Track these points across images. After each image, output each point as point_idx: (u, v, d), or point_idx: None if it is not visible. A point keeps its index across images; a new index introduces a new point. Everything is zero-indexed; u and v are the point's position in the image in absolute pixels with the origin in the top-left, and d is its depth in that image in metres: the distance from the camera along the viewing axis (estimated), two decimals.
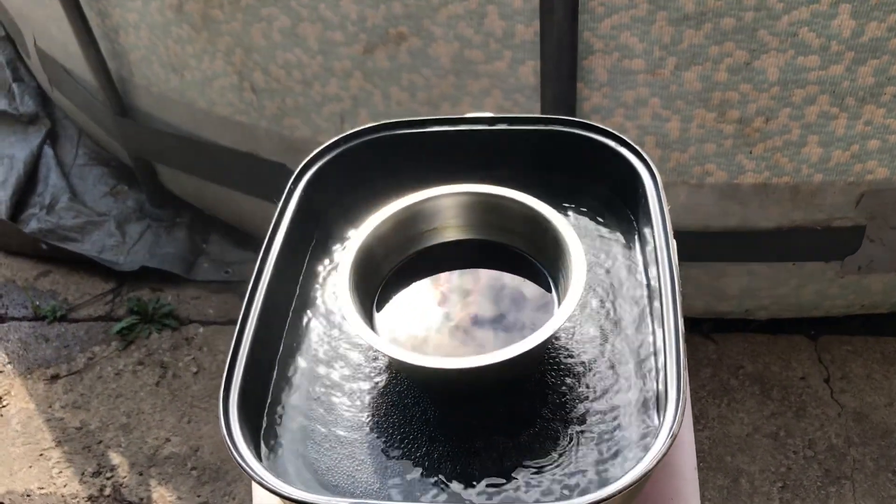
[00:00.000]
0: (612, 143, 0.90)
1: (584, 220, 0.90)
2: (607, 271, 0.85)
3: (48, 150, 2.33)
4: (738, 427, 1.60)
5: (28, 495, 1.61)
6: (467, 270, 0.83)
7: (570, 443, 0.73)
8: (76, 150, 2.37)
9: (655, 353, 0.77)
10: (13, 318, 1.95)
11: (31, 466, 1.65)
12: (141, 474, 1.62)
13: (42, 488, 1.62)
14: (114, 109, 1.99)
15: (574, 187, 0.92)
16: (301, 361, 0.80)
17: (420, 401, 0.76)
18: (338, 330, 0.83)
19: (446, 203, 0.81)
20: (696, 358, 1.71)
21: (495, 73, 1.45)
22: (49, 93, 2.46)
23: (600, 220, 0.90)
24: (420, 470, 0.72)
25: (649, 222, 0.82)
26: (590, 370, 0.77)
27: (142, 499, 1.58)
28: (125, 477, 1.62)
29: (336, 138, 0.94)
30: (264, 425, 0.75)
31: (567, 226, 0.77)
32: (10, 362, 1.85)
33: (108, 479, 1.62)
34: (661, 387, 0.73)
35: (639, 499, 0.75)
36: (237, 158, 1.86)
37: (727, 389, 1.64)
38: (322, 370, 0.79)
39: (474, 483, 0.71)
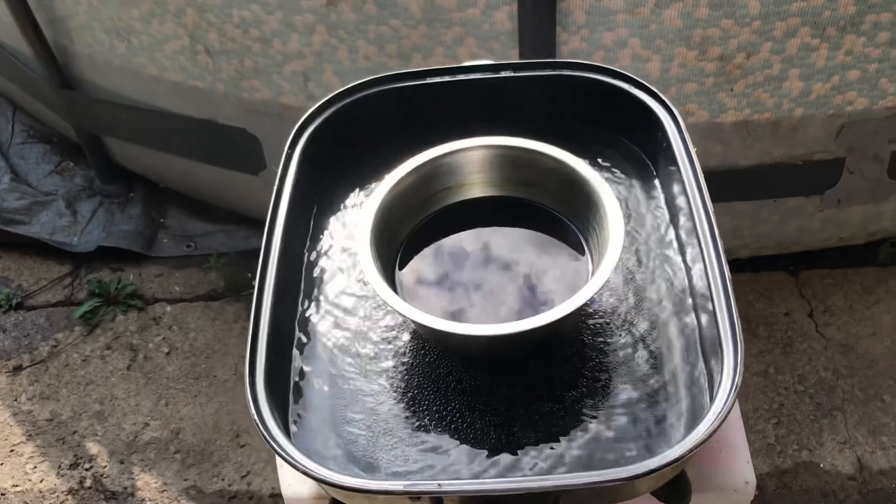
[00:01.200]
0: (625, 86, 0.85)
1: (599, 170, 0.86)
2: (630, 220, 0.81)
3: None
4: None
5: (2, 494, 1.53)
6: (493, 229, 0.78)
7: (619, 404, 0.69)
8: (11, 127, 2.23)
9: (693, 296, 0.73)
10: None
11: (2, 464, 1.57)
12: (122, 462, 1.55)
13: (17, 486, 1.54)
14: (54, 82, 1.86)
15: (586, 135, 0.88)
16: (324, 335, 0.75)
17: (454, 370, 0.72)
18: (360, 297, 0.77)
19: (468, 157, 0.76)
20: None
21: (469, 21, 1.39)
22: None
23: (616, 168, 0.86)
24: (461, 442, 0.68)
25: (674, 165, 0.78)
26: (630, 326, 0.73)
27: (125, 487, 1.52)
28: (105, 466, 1.55)
29: (329, 96, 0.88)
30: (290, 404, 0.70)
31: (600, 180, 0.73)
32: None
33: (87, 470, 1.55)
34: (706, 331, 0.70)
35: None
36: (193, 126, 1.77)
37: None
38: (349, 343, 0.74)
39: (520, 450, 0.67)
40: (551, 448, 0.67)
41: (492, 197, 0.77)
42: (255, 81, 1.62)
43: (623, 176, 0.85)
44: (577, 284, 0.70)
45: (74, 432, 1.61)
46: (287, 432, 0.68)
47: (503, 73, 0.87)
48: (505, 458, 0.67)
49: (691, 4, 1.32)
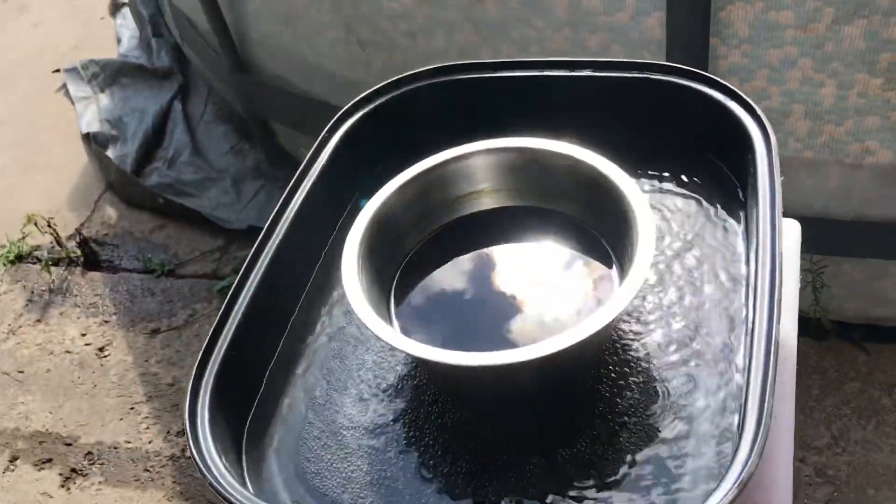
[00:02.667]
0: (717, 95, 0.71)
1: (673, 186, 0.72)
2: (690, 248, 0.67)
3: (177, 105, 2.34)
4: (885, 456, 1.35)
5: (115, 448, 1.60)
6: (509, 245, 0.67)
7: (622, 468, 0.56)
8: (205, 106, 2.36)
9: (744, 359, 0.59)
10: (125, 270, 1.95)
11: (121, 419, 1.64)
12: None
13: (129, 442, 1.60)
14: (231, 64, 1.94)
15: (666, 148, 0.74)
16: (308, 346, 0.67)
17: (439, 399, 0.62)
18: (347, 316, 0.69)
19: (482, 162, 0.65)
20: (843, 369, 1.46)
21: (616, 26, 1.26)
22: (182, 46, 2.47)
23: (695, 188, 0.72)
24: (426, 485, 0.58)
25: (755, 195, 0.63)
26: (656, 377, 0.60)
27: None
28: None
29: (386, 82, 0.81)
30: (250, 419, 0.63)
31: (632, 186, 0.60)
32: (115, 313, 1.85)
33: None
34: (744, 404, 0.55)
35: None
36: None
37: (877, 410, 1.39)
38: (327, 357, 0.66)
39: None
40: None
41: (509, 207, 0.66)
42: None
43: (704, 198, 0.71)
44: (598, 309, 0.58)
45: None
46: (238, 447, 0.61)
47: (581, 72, 0.76)
48: None
49: (878, 23, 1.12)
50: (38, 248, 2.05)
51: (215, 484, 0.54)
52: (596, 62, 0.75)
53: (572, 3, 1.27)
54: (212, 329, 0.62)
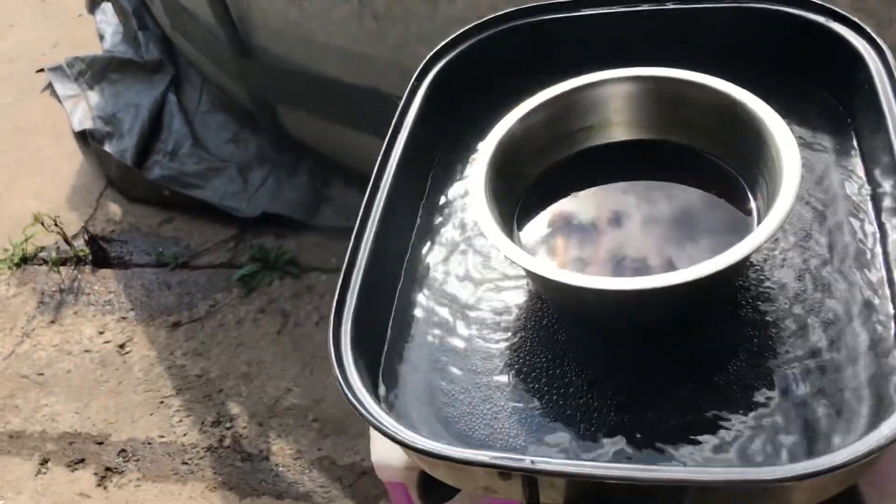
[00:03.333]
0: (818, 18, 0.70)
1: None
2: (817, 183, 0.66)
3: (172, 98, 2.29)
4: None
5: (149, 443, 1.56)
6: (637, 181, 0.66)
7: (772, 395, 0.55)
8: (199, 96, 2.31)
9: (891, 279, 0.58)
10: (137, 265, 1.91)
11: (151, 414, 1.61)
12: (261, 425, 1.54)
13: (162, 436, 1.57)
14: (233, 49, 1.90)
15: (768, 81, 0.73)
16: (426, 290, 0.66)
17: (575, 336, 0.61)
18: (473, 250, 0.68)
19: (610, 91, 0.64)
20: None
21: None
22: (172, 38, 2.42)
23: (804, 122, 0.71)
24: (574, 421, 0.56)
25: (878, 114, 0.63)
26: (800, 304, 0.59)
27: (261, 451, 1.50)
28: (245, 427, 1.54)
29: (469, 26, 0.79)
30: (383, 365, 0.62)
31: (773, 114, 0.59)
32: (132, 309, 1.81)
33: (227, 429, 1.55)
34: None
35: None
36: (357, 95, 1.74)
37: None
38: (452, 299, 0.65)
39: (644, 442, 0.55)
40: (686, 437, 0.54)
41: (638, 140, 0.65)
42: (419, 48, 1.56)
43: (812, 134, 0.70)
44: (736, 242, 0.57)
45: (220, 391, 1.62)
46: (375, 391, 0.59)
47: (669, 5, 0.75)
48: (623, 444, 0.55)
49: None
50: (42, 249, 2.00)
51: (375, 422, 0.52)
52: None
53: None
54: (341, 278, 0.60)
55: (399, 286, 0.66)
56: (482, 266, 0.66)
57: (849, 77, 0.68)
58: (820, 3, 0.70)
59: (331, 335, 0.57)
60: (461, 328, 0.63)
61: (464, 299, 0.65)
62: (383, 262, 0.64)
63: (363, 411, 0.53)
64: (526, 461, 0.48)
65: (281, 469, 1.47)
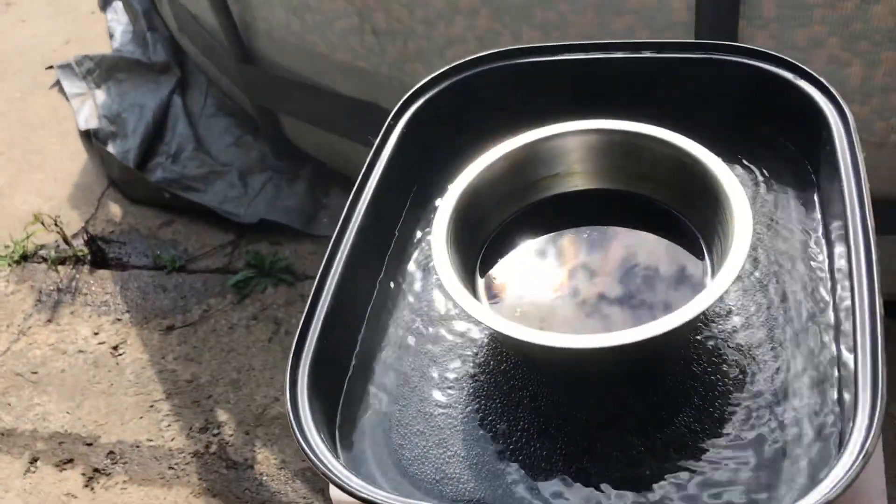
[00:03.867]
0: (787, 74, 0.71)
1: (746, 173, 0.73)
2: (773, 235, 0.68)
3: (177, 100, 2.31)
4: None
5: (137, 446, 1.58)
6: (595, 228, 0.67)
7: (719, 450, 0.57)
8: (204, 99, 2.33)
9: (838, 342, 0.59)
10: (134, 267, 1.93)
11: (141, 417, 1.63)
12: (247, 433, 1.56)
13: (150, 440, 1.59)
14: (236, 56, 1.92)
15: (735, 132, 0.74)
16: (390, 330, 0.67)
17: (529, 383, 0.62)
18: (436, 295, 0.69)
19: (572, 143, 0.65)
20: None
21: (642, 8, 1.26)
22: (179, 40, 2.44)
23: (767, 173, 0.72)
24: (523, 469, 0.58)
25: (836, 177, 0.64)
26: (750, 358, 0.60)
27: (246, 459, 1.52)
28: (231, 435, 1.56)
29: (448, 67, 0.80)
30: (341, 404, 0.63)
31: (727, 172, 0.60)
32: (128, 311, 1.83)
33: (214, 435, 1.57)
34: (846, 391, 0.55)
35: None
36: (357, 108, 1.75)
37: None
38: (415, 339, 0.66)
39: (589, 493, 0.56)
40: (631, 493, 0.56)
41: (598, 189, 0.66)
42: (417, 65, 1.58)
43: (776, 181, 0.72)
44: (691, 296, 0.58)
45: (209, 396, 1.64)
46: (331, 434, 0.61)
47: (644, 53, 0.76)
48: (568, 494, 0.56)
49: None
50: (42, 247, 2.02)
51: (325, 471, 0.54)
52: (660, 43, 0.75)
53: None
54: (303, 317, 0.62)
55: (363, 328, 0.67)
56: (445, 310, 0.68)
57: (814, 134, 0.69)
58: (788, 59, 0.71)
59: (287, 379, 0.58)
60: (421, 371, 0.65)
61: (425, 342, 0.66)
62: (348, 302, 0.65)
63: (317, 462, 0.54)
64: None
65: (265, 478, 1.49)
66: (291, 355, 0.60)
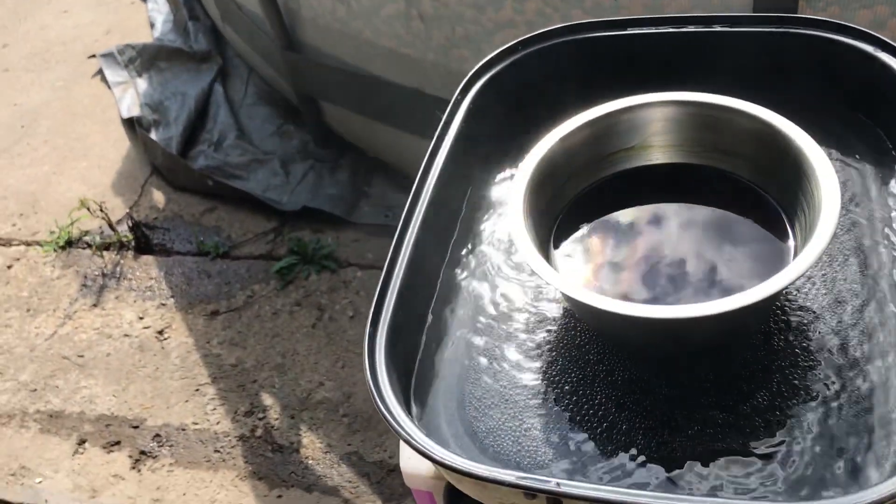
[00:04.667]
0: (866, 47, 0.70)
1: (823, 148, 0.71)
2: (853, 210, 0.66)
3: (218, 88, 2.33)
4: None
5: (183, 429, 1.60)
6: (673, 203, 0.66)
7: (800, 427, 0.56)
8: (245, 88, 2.34)
9: None
10: (178, 253, 1.95)
11: (187, 401, 1.64)
12: (293, 417, 1.57)
13: (196, 423, 1.60)
14: (281, 43, 1.92)
15: (811, 106, 0.73)
16: (461, 303, 0.67)
17: (606, 358, 0.61)
18: (508, 266, 0.69)
19: (653, 115, 0.64)
20: None
21: None
22: (221, 30, 2.45)
23: (845, 148, 0.71)
24: (600, 443, 0.57)
25: None
26: (833, 336, 0.59)
27: (292, 443, 1.53)
28: (277, 419, 1.57)
29: (516, 41, 0.79)
30: (415, 375, 0.63)
31: (814, 146, 0.59)
32: (172, 296, 1.85)
33: (260, 419, 1.58)
34: None
35: None
36: (402, 94, 1.75)
37: None
38: (486, 314, 0.66)
39: (669, 468, 0.56)
40: (709, 465, 0.55)
41: (677, 164, 0.65)
42: (464, 51, 1.57)
43: (853, 159, 0.70)
44: (773, 272, 0.57)
45: (255, 381, 1.64)
46: (406, 401, 0.60)
47: (715, 27, 0.75)
48: (650, 471, 0.55)
49: None
50: (87, 233, 2.04)
51: (407, 437, 0.54)
52: (732, 16, 0.74)
53: None
54: (377, 291, 0.61)
55: (434, 298, 0.67)
56: (518, 283, 0.67)
57: (893, 105, 0.68)
58: (867, 31, 0.69)
59: (366, 345, 0.58)
60: (494, 343, 0.64)
61: (497, 314, 0.65)
62: (420, 272, 0.65)
63: (394, 423, 0.54)
64: (551, 483, 0.49)
65: (310, 462, 1.50)
66: (368, 326, 0.60)
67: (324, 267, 1.83)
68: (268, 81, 2.31)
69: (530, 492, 0.50)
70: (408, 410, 0.60)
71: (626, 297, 0.62)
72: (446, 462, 0.52)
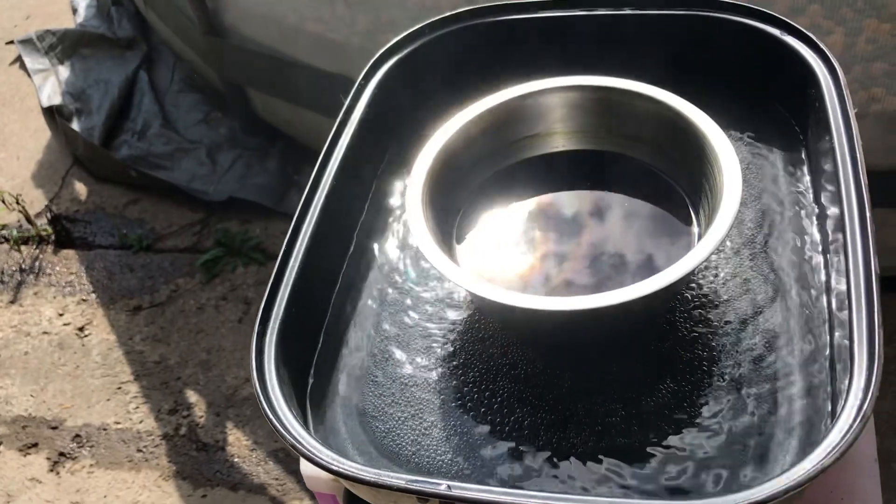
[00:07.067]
0: (774, 30, 0.69)
1: (731, 133, 0.70)
2: (759, 197, 0.65)
3: (143, 76, 2.25)
4: (889, 403, 1.36)
5: (104, 429, 1.54)
6: (577, 190, 0.64)
7: (705, 417, 0.54)
8: (172, 75, 2.27)
9: (829, 303, 0.57)
10: (100, 246, 1.88)
11: (108, 399, 1.58)
12: (218, 415, 1.52)
13: (118, 423, 1.55)
14: (203, 28, 1.86)
15: (719, 90, 0.72)
16: (363, 298, 0.64)
17: (509, 351, 0.59)
18: (410, 259, 0.66)
19: (554, 101, 0.62)
20: None
21: None
22: (145, 14, 2.37)
23: (753, 133, 0.70)
24: (502, 441, 0.55)
25: (826, 133, 0.61)
26: (738, 324, 0.58)
27: (217, 441, 1.49)
28: (201, 417, 1.53)
29: (421, 25, 0.77)
30: (312, 375, 0.60)
31: (716, 130, 0.57)
32: (94, 291, 1.78)
33: (184, 417, 1.53)
34: (838, 351, 0.53)
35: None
36: (329, 81, 1.71)
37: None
38: (388, 309, 0.63)
39: (573, 460, 0.54)
40: (613, 463, 0.53)
41: (581, 150, 0.63)
42: (390, 36, 1.53)
43: (761, 143, 0.69)
44: (671, 261, 0.56)
45: (178, 378, 1.59)
46: (301, 405, 0.58)
47: (625, 10, 0.73)
48: (552, 468, 0.54)
49: None
50: (3, 227, 1.96)
51: (294, 443, 0.51)
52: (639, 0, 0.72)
53: None
54: (269, 286, 0.58)
55: (334, 293, 0.64)
56: (421, 276, 0.65)
57: (801, 92, 0.67)
58: (773, 14, 0.68)
59: (253, 347, 0.55)
60: (395, 339, 0.61)
61: (399, 309, 0.63)
62: (318, 266, 0.62)
63: (280, 428, 0.51)
64: (442, 486, 0.47)
65: (236, 460, 1.46)
66: (257, 324, 0.57)
67: (251, 259, 1.79)
68: (194, 68, 2.25)
69: (422, 496, 0.48)
70: (302, 413, 0.58)
71: (527, 288, 0.60)
72: (333, 467, 0.49)
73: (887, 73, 1.20)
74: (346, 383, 0.60)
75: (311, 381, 0.60)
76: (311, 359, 0.61)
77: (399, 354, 0.61)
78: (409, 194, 0.58)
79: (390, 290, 0.64)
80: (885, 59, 1.19)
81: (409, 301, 0.63)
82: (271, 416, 0.52)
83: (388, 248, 0.67)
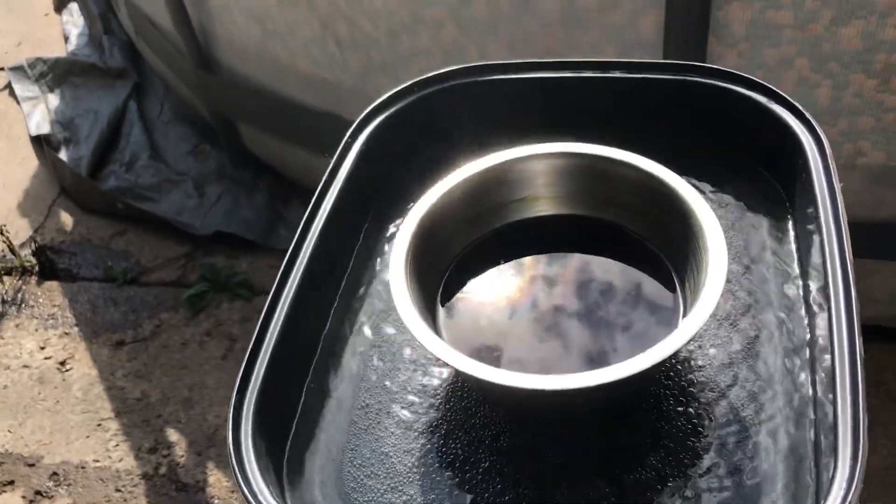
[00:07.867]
0: (761, 98, 0.69)
1: (718, 198, 0.70)
2: (747, 268, 0.65)
3: (133, 106, 2.25)
4: (876, 458, 1.36)
5: (82, 467, 1.52)
6: (562, 256, 0.64)
7: (688, 499, 0.54)
8: (162, 106, 2.27)
9: (815, 384, 0.56)
10: (84, 279, 1.86)
11: (88, 437, 1.56)
12: (199, 454, 1.50)
13: (97, 461, 1.52)
14: (195, 63, 1.86)
15: (707, 156, 0.72)
16: (345, 363, 0.63)
17: (492, 422, 0.58)
18: (395, 323, 0.65)
19: (538, 167, 0.62)
20: None
21: (610, 26, 1.24)
22: (136, 45, 2.38)
23: (740, 200, 0.70)
24: None
25: (812, 205, 0.61)
26: (721, 403, 0.57)
27: (198, 481, 1.47)
28: (182, 456, 1.51)
29: (410, 83, 0.76)
30: (290, 443, 0.59)
31: (700, 201, 0.57)
32: (76, 325, 1.76)
33: (164, 456, 1.51)
34: (823, 437, 0.53)
35: None
36: (319, 119, 1.71)
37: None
38: (370, 374, 0.62)
39: None
40: None
41: (564, 215, 0.63)
42: (380, 77, 1.54)
43: (747, 207, 0.69)
44: (661, 334, 0.55)
45: (159, 416, 1.58)
46: (279, 471, 0.57)
47: (614, 73, 0.73)
48: None
49: (875, 23, 1.12)
50: None
51: None
52: (630, 63, 0.73)
53: (566, 3, 1.24)
54: (248, 353, 0.57)
55: (315, 357, 0.63)
56: (405, 341, 0.64)
57: (788, 160, 0.67)
58: (761, 82, 0.68)
59: (231, 417, 0.54)
60: (377, 405, 0.61)
61: (382, 378, 0.62)
62: (299, 331, 0.61)
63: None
64: None
65: (217, 501, 1.44)
66: (235, 392, 0.56)
67: (237, 295, 1.77)
68: (185, 100, 2.25)
69: None
70: (279, 483, 0.56)
71: (515, 356, 0.59)
72: None
73: (874, 129, 1.21)
74: (325, 452, 0.59)
75: (288, 449, 0.58)
76: (289, 427, 0.59)
77: (380, 423, 0.60)
78: (391, 262, 0.57)
79: (374, 357, 0.63)
80: (871, 113, 1.20)
81: (392, 368, 0.62)
82: (246, 493, 0.51)
83: (373, 313, 0.66)
